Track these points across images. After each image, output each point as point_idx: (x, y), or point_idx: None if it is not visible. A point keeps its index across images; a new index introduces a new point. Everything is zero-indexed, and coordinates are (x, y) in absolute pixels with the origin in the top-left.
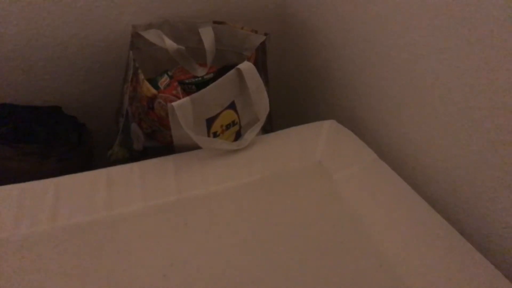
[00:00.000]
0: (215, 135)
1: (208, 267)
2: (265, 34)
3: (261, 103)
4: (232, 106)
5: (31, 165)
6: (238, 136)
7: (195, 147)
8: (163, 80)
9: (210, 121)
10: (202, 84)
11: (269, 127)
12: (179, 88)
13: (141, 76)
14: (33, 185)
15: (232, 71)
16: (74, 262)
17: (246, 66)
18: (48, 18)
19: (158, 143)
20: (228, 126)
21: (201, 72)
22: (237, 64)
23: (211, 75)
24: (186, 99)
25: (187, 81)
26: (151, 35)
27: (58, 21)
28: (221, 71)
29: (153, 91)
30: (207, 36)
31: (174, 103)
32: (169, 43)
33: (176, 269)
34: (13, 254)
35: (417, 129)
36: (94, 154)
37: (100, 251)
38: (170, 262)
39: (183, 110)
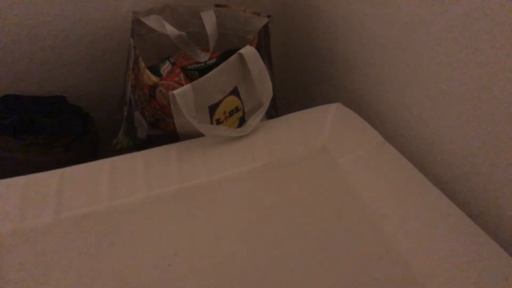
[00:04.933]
0: (218, 122)
1: (212, 255)
2: (268, 16)
3: (264, 88)
4: (235, 92)
5: (36, 156)
6: (242, 122)
7: (199, 134)
8: (165, 67)
9: (212, 108)
10: (205, 70)
11: (274, 112)
12: (181, 75)
13: (142, 64)
14: (37, 177)
15: (234, 56)
16: (78, 253)
17: (248, 51)
18: (48, 7)
19: (162, 131)
20: (231, 113)
21: (203, 57)
22: (240, 48)
23: (213, 60)
24: (187, 87)
25: (189, 67)
26: (152, 21)
27: (58, 9)
28: (224, 56)
29: (154, 79)
30: (209, 20)
31: (175, 91)
32: (170, 29)
33: (180, 258)
34: (18, 245)
35: (424, 111)
36: (99, 143)
37: (104, 241)
38: (174, 251)
39: (184, 98)
